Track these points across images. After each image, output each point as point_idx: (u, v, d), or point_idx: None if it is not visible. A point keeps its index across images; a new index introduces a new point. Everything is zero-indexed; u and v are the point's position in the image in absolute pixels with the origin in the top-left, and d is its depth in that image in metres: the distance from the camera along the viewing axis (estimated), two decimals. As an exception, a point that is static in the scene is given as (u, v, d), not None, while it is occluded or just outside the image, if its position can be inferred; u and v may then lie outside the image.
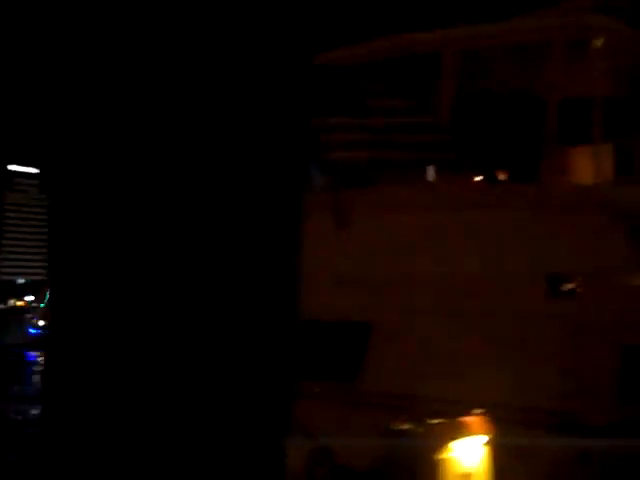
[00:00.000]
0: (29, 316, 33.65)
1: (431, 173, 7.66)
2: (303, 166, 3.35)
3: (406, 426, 4.52)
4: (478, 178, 8.74)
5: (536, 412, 6.77)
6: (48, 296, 3.10)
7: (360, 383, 7.16)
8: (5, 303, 57.03)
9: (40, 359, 19.89)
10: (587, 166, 8.08)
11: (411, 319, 7.29)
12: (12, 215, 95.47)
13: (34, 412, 11.73)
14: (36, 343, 24.03)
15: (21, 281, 79.23)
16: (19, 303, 56.10)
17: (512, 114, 8.61)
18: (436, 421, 4.58)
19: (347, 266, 7.53)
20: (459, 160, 7.93)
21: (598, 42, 7.65)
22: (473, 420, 4.58)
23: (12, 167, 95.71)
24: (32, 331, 29.60)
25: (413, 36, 7.89)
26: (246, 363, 3.37)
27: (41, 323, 28.55)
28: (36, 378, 17.33)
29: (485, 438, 4.55)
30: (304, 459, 6.67)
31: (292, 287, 3.45)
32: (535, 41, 7.69)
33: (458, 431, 4.50)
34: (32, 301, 48.40)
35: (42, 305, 33.17)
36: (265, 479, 3.45)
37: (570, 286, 7.29)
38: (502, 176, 8.89)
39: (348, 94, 7.50)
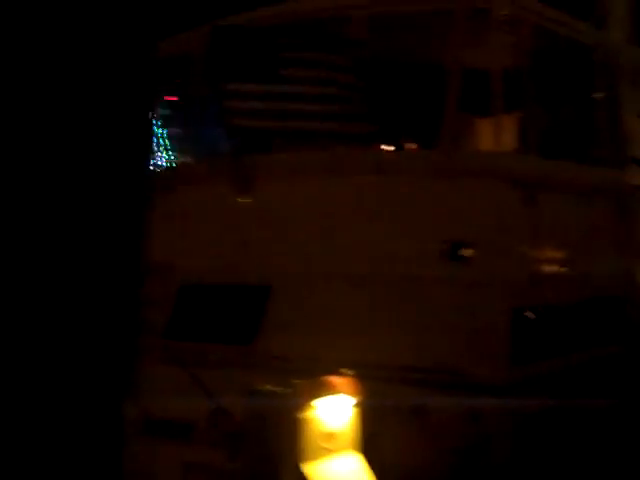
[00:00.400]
0: None
1: (336, 141, 7.43)
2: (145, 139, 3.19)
3: (269, 386, 4.34)
4: (387, 147, 8.58)
5: (430, 372, 6.69)
6: None
7: (257, 345, 6.98)
8: None
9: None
10: (491, 136, 7.97)
11: (310, 283, 7.12)
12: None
13: None
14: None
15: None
16: None
17: (418, 83, 8.45)
18: (300, 380, 4.42)
19: (249, 231, 7.32)
20: (367, 130, 7.75)
21: (501, 12, 7.50)
22: (339, 379, 4.42)
23: None
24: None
25: (319, 1, 7.67)
26: (80, 322, 3.19)
27: None
28: None
29: (352, 398, 4.40)
30: (204, 420, 6.45)
31: (131, 255, 3.29)
32: (439, 9, 7.49)
33: (322, 390, 4.34)
34: None
35: None
36: (98, 440, 3.28)
37: (466, 250, 7.19)
38: (411, 145, 8.74)
39: (256, 59, 7.21)
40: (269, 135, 7.31)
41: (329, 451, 4.37)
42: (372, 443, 5.38)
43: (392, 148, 8.20)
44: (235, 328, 7.25)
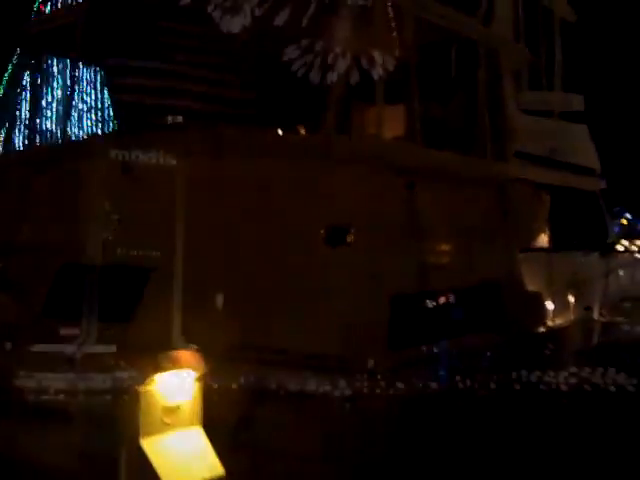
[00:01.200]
0: None
1: (222, 123, 7.03)
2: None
3: (112, 360, 3.93)
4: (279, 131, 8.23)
5: (309, 358, 6.41)
6: None
7: (136, 324, 6.54)
8: None
9: None
10: (378, 124, 7.70)
11: (193, 265, 6.70)
12: None
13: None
14: None
15: None
16: None
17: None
18: (142, 354, 4.04)
19: (131, 212, 6.86)
20: (255, 114, 7.40)
21: (384, 8, 7.26)
22: (182, 354, 4.06)
23: None
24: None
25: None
26: None
27: None
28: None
29: (195, 372, 4.04)
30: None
31: None
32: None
33: (164, 365, 3.97)
34: None
35: None
36: None
37: (348, 237, 6.91)
38: (302, 131, 8.43)
39: (148, 37, 6.75)
40: (151, 111, 6.86)
41: (170, 426, 4.01)
42: (248, 426, 5.05)
43: (281, 132, 7.86)
44: (113, 306, 6.78)
